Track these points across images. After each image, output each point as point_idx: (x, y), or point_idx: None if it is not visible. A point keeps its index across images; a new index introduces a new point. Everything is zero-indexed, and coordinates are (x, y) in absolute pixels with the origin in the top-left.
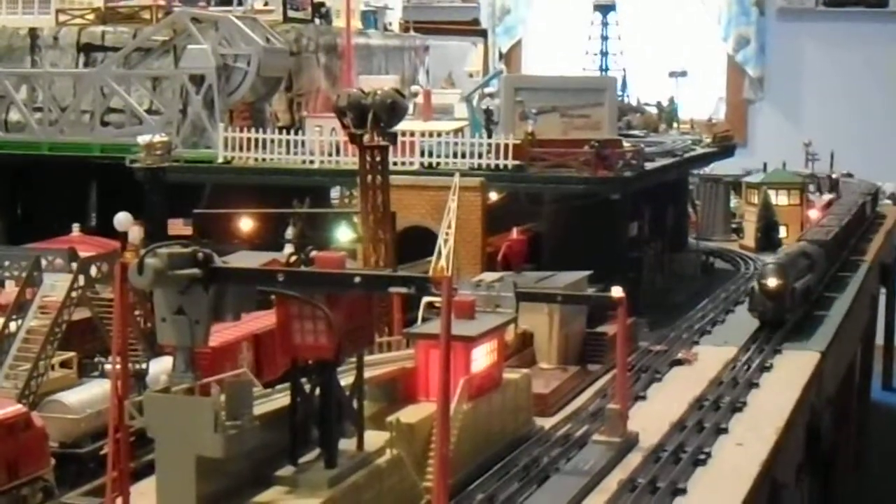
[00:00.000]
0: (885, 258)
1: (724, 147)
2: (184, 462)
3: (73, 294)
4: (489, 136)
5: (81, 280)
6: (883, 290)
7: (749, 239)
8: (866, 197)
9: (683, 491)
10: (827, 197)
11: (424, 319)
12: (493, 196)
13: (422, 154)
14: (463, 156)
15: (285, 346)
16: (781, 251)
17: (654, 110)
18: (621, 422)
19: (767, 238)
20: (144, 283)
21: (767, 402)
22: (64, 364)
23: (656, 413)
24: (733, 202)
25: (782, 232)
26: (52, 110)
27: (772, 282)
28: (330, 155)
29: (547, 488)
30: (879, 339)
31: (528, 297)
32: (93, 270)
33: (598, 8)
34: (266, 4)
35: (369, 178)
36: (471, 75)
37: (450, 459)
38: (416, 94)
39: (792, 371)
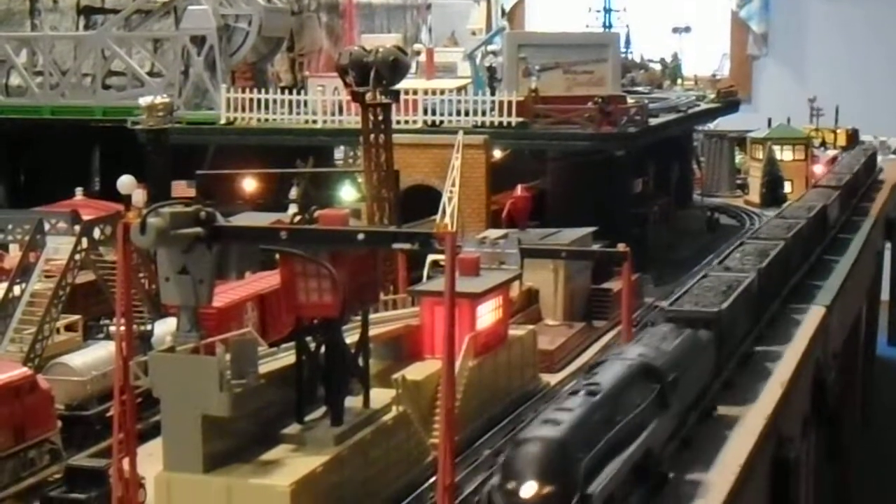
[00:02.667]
0: (891, 212)
1: (729, 103)
2: (190, 421)
3: (77, 257)
4: (492, 94)
5: (84, 242)
6: (888, 245)
7: (754, 195)
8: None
9: (689, 443)
10: (832, 152)
11: (429, 277)
12: (497, 153)
13: (425, 112)
14: (466, 113)
15: (290, 304)
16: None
17: (657, 66)
18: None
19: (773, 193)
20: (147, 243)
21: (772, 356)
22: (69, 327)
23: None
24: (738, 158)
25: (787, 187)
26: (53, 74)
27: (527, 490)
28: (333, 114)
29: None
30: (885, 295)
31: (532, 253)
32: (96, 233)
33: None
34: None
35: (372, 136)
36: (473, 33)
37: (456, 416)
38: (418, 53)
39: (798, 326)
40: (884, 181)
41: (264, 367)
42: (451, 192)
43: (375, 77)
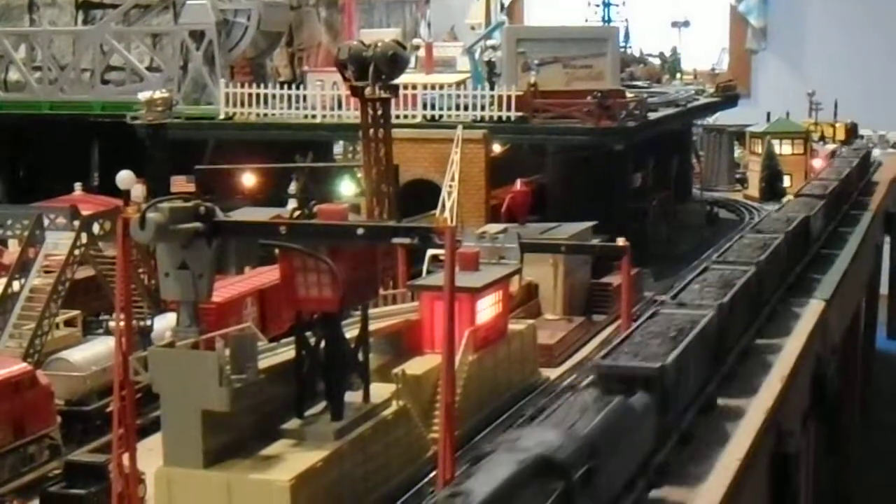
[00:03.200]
0: (891, 207)
1: (728, 97)
2: (190, 416)
3: (76, 252)
4: (492, 88)
5: (84, 238)
6: (887, 239)
7: (753, 189)
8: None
9: (691, 436)
10: (831, 146)
11: (429, 272)
12: (497, 148)
13: (424, 107)
14: (465, 108)
15: (289, 299)
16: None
17: (656, 61)
18: None
19: (772, 188)
20: (146, 238)
21: (772, 350)
22: (68, 322)
23: None
24: (737, 152)
25: (786, 181)
26: (52, 69)
27: None
28: (332, 109)
29: None
30: (884, 289)
31: (532, 247)
32: (95, 228)
33: None
34: None
35: (371, 131)
36: (473, 28)
37: (456, 410)
38: (417, 48)
39: (797, 320)
40: (878, 183)
41: (264, 363)
42: (450, 186)
43: (374, 72)
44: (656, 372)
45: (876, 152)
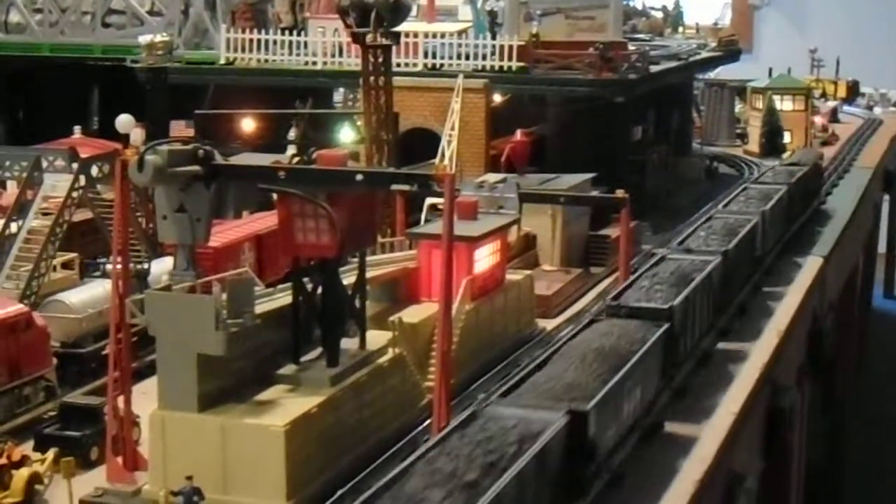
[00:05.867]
0: (889, 164)
1: (730, 51)
2: (185, 360)
3: (74, 194)
4: (493, 38)
5: (82, 180)
6: (886, 198)
7: (753, 144)
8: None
9: (684, 391)
10: (832, 104)
11: (427, 221)
12: (497, 98)
13: (425, 55)
14: (467, 57)
15: (287, 245)
16: None
17: (659, 14)
18: None
19: (772, 143)
20: (145, 180)
21: (770, 305)
22: (65, 265)
23: None
24: (738, 107)
25: (787, 137)
26: (53, 11)
27: None
28: (333, 56)
29: None
30: (882, 248)
31: (531, 198)
32: (94, 170)
33: None
34: None
35: (372, 78)
36: None
37: (451, 359)
38: None
39: (794, 275)
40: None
41: (261, 308)
42: (450, 135)
43: (376, 19)
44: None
45: (877, 110)
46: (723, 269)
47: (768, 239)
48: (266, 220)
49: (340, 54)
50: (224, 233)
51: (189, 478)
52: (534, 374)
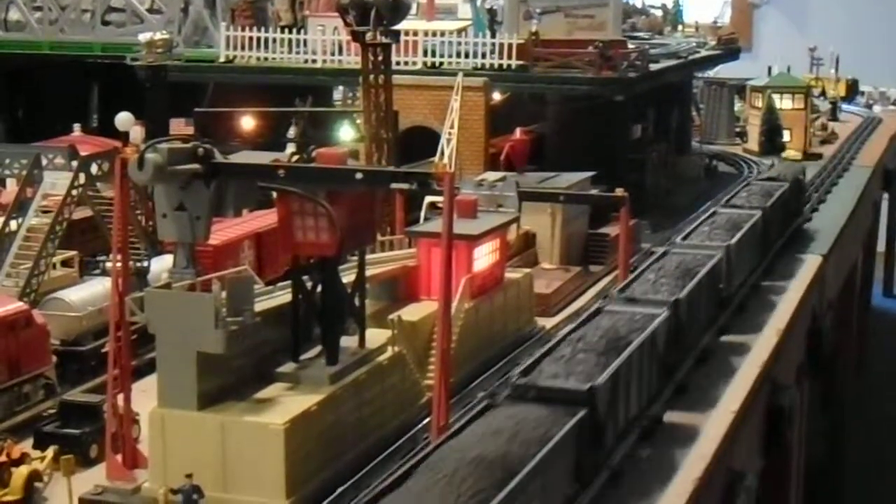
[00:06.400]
0: (889, 163)
1: (729, 50)
2: (185, 358)
3: (74, 192)
4: (493, 36)
5: (82, 178)
6: (885, 196)
7: (753, 143)
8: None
9: (685, 388)
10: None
11: (426, 219)
12: (497, 96)
13: (425, 53)
14: (466, 55)
15: (287, 243)
16: None
17: (658, 13)
18: None
19: (771, 142)
20: (145, 179)
21: (769, 304)
22: (65, 262)
23: None
24: (737, 106)
25: (786, 136)
26: (53, 9)
27: None
28: (332, 54)
29: None
30: (881, 247)
31: (530, 196)
32: (93, 168)
33: None
34: None
35: (372, 77)
36: None
37: (451, 358)
38: None
39: (794, 274)
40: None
41: (260, 306)
42: (449, 133)
43: (376, 17)
44: None
45: (876, 109)
46: (670, 323)
47: (735, 277)
48: (266, 219)
49: (340, 52)
50: (224, 231)
51: (189, 476)
52: None
